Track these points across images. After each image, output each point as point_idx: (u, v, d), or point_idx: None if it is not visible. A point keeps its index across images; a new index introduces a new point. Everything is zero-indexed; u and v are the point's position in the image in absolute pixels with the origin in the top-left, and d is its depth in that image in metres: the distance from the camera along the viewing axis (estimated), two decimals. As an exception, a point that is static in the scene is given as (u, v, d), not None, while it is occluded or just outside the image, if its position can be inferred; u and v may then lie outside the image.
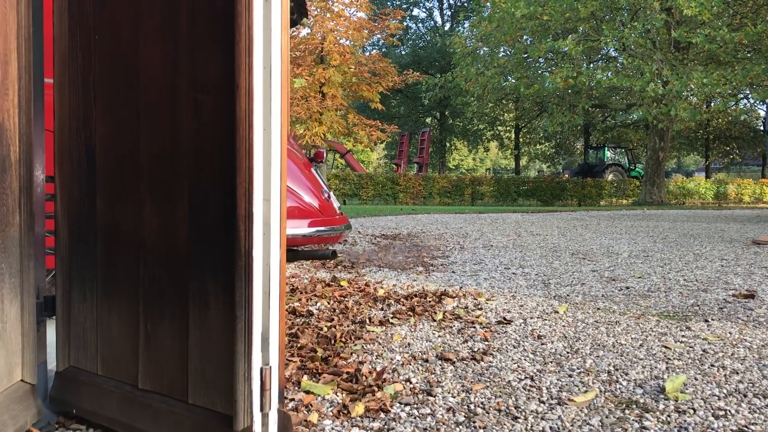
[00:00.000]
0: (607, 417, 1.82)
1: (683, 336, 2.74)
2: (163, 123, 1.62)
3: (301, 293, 3.70)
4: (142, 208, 1.66)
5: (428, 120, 42.12)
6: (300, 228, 2.78)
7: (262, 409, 1.48)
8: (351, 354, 2.46)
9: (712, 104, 23.42)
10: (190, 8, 1.56)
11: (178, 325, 1.60)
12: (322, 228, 2.85)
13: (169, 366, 1.63)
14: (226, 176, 1.50)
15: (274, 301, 1.51)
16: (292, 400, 1.95)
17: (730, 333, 2.79)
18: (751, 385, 2.11)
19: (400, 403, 1.93)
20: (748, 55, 15.94)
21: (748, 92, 20.81)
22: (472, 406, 1.91)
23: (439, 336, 2.75)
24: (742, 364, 2.35)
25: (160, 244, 1.64)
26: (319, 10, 17.78)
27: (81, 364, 1.82)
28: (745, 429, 1.73)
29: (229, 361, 1.50)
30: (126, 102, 1.69)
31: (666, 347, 2.57)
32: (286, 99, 1.59)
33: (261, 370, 1.50)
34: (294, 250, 2.85)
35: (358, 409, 1.87)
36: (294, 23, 10.18)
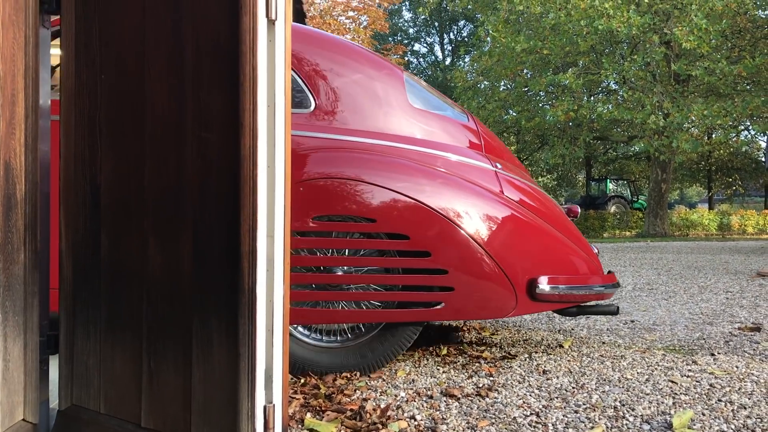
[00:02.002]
0: (614, 454, 1.80)
1: (689, 370, 2.72)
2: (168, 160, 1.64)
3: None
4: (147, 244, 1.67)
5: (430, 153, 42.26)
6: (594, 285, 2.80)
7: (265, 448, 1.47)
8: (354, 391, 2.44)
9: (714, 136, 23.54)
10: (196, 48, 1.58)
11: (181, 362, 1.60)
12: (609, 284, 2.86)
13: (172, 404, 1.62)
14: (230, 213, 1.51)
15: (277, 339, 1.51)
16: (296, 437, 1.93)
17: (737, 367, 2.77)
18: (759, 420, 2.09)
19: (405, 441, 1.91)
20: (748, 87, 16.06)
21: (748, 124, 20.93)
22: (477, 444, 1.89)
23: (443, 371, 2.73)
24: (749, 398, 2.32)
25: (164, 280, 1.64)
26: (321, 45, 18.05)
27: (83, 402, 1.81)
28: (755, 466, 1.71)
29: (232, 399, 1.50)
30: (131, 140, 1.71)
31: (672, 382, 2.55)
32: (290, 136, 1.61)
33: (264, 408, 1.50)
34: (582, 306, 2.87)
35: (363, 447, 1.85)
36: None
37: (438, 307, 2.58)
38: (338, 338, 2.71)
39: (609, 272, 2.95)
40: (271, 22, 1.56)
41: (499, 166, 2.92)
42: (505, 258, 2.60)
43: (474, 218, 2.59)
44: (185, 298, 1.59)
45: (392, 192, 2.54)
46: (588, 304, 2.88)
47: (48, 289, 1.81)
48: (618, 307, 2.91)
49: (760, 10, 10.62)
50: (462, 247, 2.55)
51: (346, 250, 2.62)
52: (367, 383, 2.54)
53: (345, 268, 2.62)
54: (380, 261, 2.58)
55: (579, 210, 3.46)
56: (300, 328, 2.68)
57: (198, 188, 1.57)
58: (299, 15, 7.37)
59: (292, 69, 2.68)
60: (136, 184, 1.69)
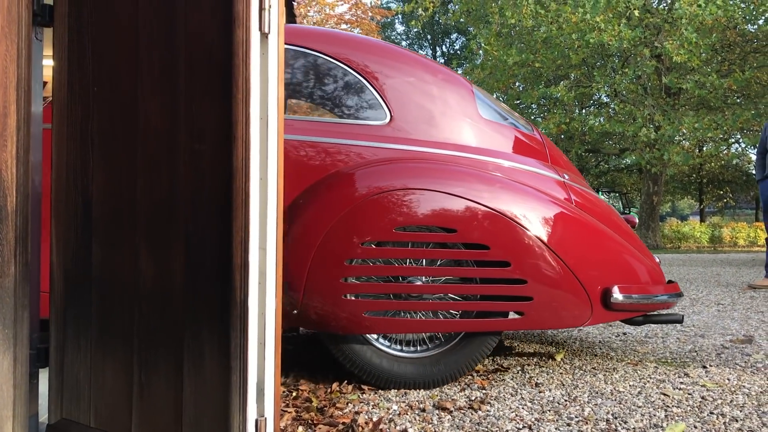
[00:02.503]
0: (606, 467, 1.80)
1: (681, 383, 2.72)
2: (160, 172, 1.64)
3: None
4: (139, 256, 1.67)
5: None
6: (660, 294, 2.83)
7: (256, 461, 1.46)
8: (347, 404, 2.43)
9: (705, 149, 23.69)
10: (189, 60, 1.59)
11: (172, 375, 1.59)
12: (673, 293, 2.89)
13: (163, 417, 1.61)
14: (223, 225, 1.51)
15: (269, 352, 1.50)
16: (288, 451, 1.92)
17: (729, 379, 2.77)
18: (751, 433, 2.09)
19: (397, 454, 1.90)
20: (738, 100, 16.19)
21: (739, 137, 21.07)
22: (469, 457, 1.88)
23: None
24: (741, 411, 2.33)
25: (156, 293, 1.63)
26: (314, 58, 18.09)
27: (73, 416, 1.79)
28: (747, 479, 1.71)
29: (224, 413, 1.49)
30: (124, 151, 1.71)
31: (665, 394, 2.55)
32: (282, 149, 1.61)
33: (256, 421, 1.49)
34: (648, 315, 2.90)
35: (355, 460, 1.84)
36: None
37: (518, 317, 2.64)
38: (418, 348, 2.75)
39: (670, 281, 2.98)
40: (264, 35, 1.56)
41: (566, 176, 3.01)
42: (580, 268, 2.64)
43: (550, 228, 2.64)
44: (177, 311, 1.58)
45: (472, 202, 2.59)
46: (654, 312, 2.93)
47: (38, 302, 1.80)
48: (683, 316, 2.95)
49: (749, 24, 10.73)
50: (539, 257, 2.60)
51: (424, 260, 2.66)
52: (359, 396, 2.53)
53: (424, 278, 2.67)
54: (460, 271, 2.64)
55: (636, 221, 3.50)
56: (381, 339, 2.72)
57: (190, 200, 1.57)
58: (292, 27, 7.41)
59: (369, 82, 2.79)
60: (128, 195, 1.69)
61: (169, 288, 1.60)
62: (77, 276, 1.80)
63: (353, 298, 2.55)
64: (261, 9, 1.56)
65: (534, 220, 2.62)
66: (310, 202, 2.59)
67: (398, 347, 2.73)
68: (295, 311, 2.55)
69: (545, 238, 2.61)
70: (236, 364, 1.46)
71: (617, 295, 2.67)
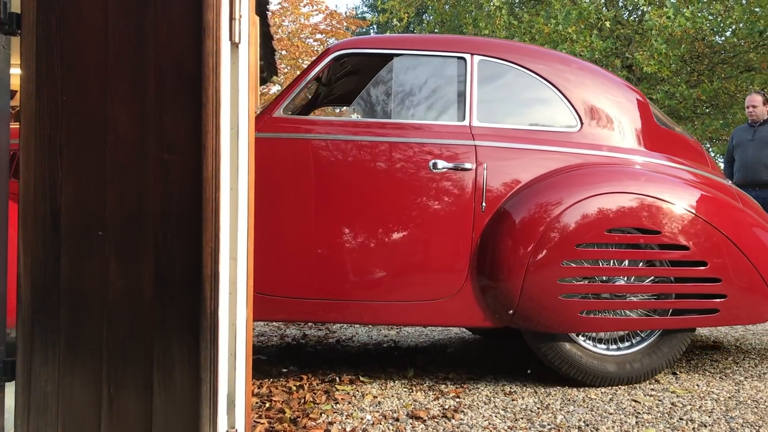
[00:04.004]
0: (578, 474, 1.81)
1: (652, 389, 2.76)
2: (130, 183, 1.63)
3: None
4: (108, 268, 1.65)
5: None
6: None
7: (227, 474, 1.45)
8: (321, 414, 2.42)
9: (675, 158, 24.03)
10: (159, 71, 1.58)
11: (142, 388, 1.57)
12: None
13: (132, 429, 1.59)
14: (193, 236, 1.50)
15: (240, 363, 1.50)
16: (260, 463, 1.91)
17: (698, 385, 2.81)
18: (719, 438, 2.12)
19: (370, 464, 1.90)
20: (707, 110, 16.48)
21: (708, 146, 21.43)
22: (442, 466, 1.89)
23: (410, 394, 2.73)
24: (709, 416, 2.36)
25: (125, 305, 1.62)
26: (289, 68, 18.04)
27: (41, 430, 1.76)
28: (715, 483, 1.73)
29: (194, 425, 1.48)
30: (93, 162, 1.69)
31: (635, 401, 2.58)
32: (253, 159, 1.61)
33: (227, 433, 1.48)
34: None
35: (327, 471, 1.83)
36: (264, 81, 10.31)
37: (713, 314, 2.79)
38: (619, 346, 2.87)
39: None
40: (234, 45, 1.57)
41: (729, 181, 3.18)
42: (760, 264, 2.81)
43: (734, 229, 2.82)
44: (146, 323, 1.57)
45: (673, 205, 2.76)
46: None
47: (5, 316, 1.77)
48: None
49: (717, 36, 10.93)
50: (732, 257, 2.77)
51: (626, 261, 2.82)
52: (333, 407, 2.52)
53: (625, 278, 2.83)
54: (664, 271, 2.80)
55: None
56: (584, 338, 2.84)
57: (160, 211, 1.56)
58: (266, 37, 7.39)
59: (561, 92, 2.97)
60: (97, 206, 1.67)
61: (138, 299, 1.59)
62: (45, 288, 1.77)
63: (569, 299, 2.70)
64: (231, 19, 1.57)
65: (724, 222, 2.81)
66: (522, 205, 2.77)
67: (604, 346, 2.87)
68: (511, 311, 2.71)
69: (733, 238, 2.77)
70: (207, 376, 1.45)
71: None
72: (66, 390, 1.71)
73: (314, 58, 2.97)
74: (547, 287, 2.69)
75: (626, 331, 2.87)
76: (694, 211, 2.77)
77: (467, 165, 2.82)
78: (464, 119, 2.91)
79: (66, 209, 1.74)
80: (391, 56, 3.02)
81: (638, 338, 2.88)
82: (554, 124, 2.98)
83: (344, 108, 4.60)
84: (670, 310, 2.81)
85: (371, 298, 2.81)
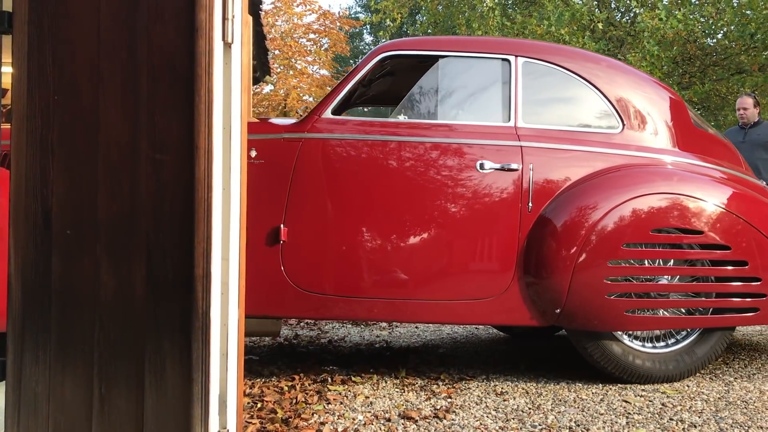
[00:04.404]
0: (568, 474, 1.82)
1: (643, 390, 2.77)
2: (121, 182, 1.62)
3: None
4: (99, 268, 1.65)
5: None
6: None
7: (218, 474, 1.45)
8: (312, 414, 2.42)
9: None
10: (151, 70, 1.58)
11: (133, 388, 1.57)
12: None
13: (123, 430, 1.59)
14: (185, 236, 1.50)
15: (232, 363, 1.50)
16: (251, 463, 1.91)
17: (688, 386, 2.83)
18: (709, 438, 2.13)
19: (362, 465, 1.90)
20: (698, 112, 16.56)
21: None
22: (434, 466, 1.89)
23: (401, 394, 2.73)
24: (699, 417, 2.37)
25: (117, 304, 1.62)
26: (282, 67, 18.02)
27: (31, 430, 1.76)
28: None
29: (185, 425, 1.48)
30: (85, 162, 1.68)
31: (626, 401, 2.59)
32: (246, 159, 1.61)
33: (218, 433, 1.48)
34: None
35: (319, 471, 1.84)
36: (257, 81, 10.31)
37: (753, 313, 2.87)
38: (660, 344, 2.94)
39: None
40: (227, 45, 1.57)
41: (762, 182, 3.26)
42: None
43: None
44: (138, 323, 1.57)
45: (715, 206, 2.84)
46: None
47: (-5, 313, 1.76)
48: None
49: (708, 38, 10.98)
50: None
51: (670, 261, 2.90)
52: (325, 407, 2.53)
53: (668, 277, 2.92)
54: (704, 270, 2.88)
55: None
56: (627, 336, 2.90)
57: (152, 211, 1.56)
58: (259, 37, 7.39)
59: (604, 94, 3.03)
60: (89, 206, 1.67)
61: (130, 300, 1.58)
62: (36, 288, 1.77)
63: (616, 297, 2.76)
64: (224, 19, 1.57)
65: (764, 222, 2.88)
66: (569, 205, 2.84)
67: (650, 344, 2.93)
68: (558, 310, 2.77)
69: None
70: (198, 376, 1.45)
71: None
72: (57, 390, 1.71)
73: (362, 58, 3.07)
74: (594, 286, 2.77)
75: (667, 330, 2.94)
76: (734, 212, 2.84)
77: (513, 165, 2.88)
78: (509, 120, 2.97)
79: (57, 209, 1.74)
80: (436, 58, 3.07)
81: (679, 337, 2.94)
82: (597, 125, 3.06)
83: (369, 108, 4.69)
84: (711, 309, 2.87)
85: (421, 297, 2.87)
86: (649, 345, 2.92)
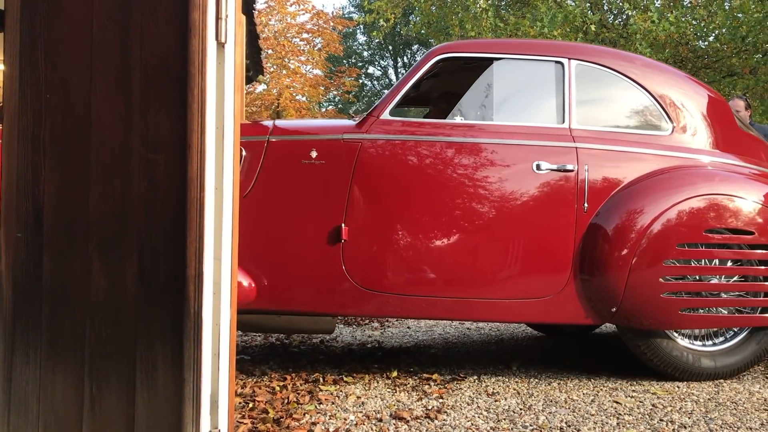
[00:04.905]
0: (559, 475, 1.82)
1: (633, 391, 2.78)
2: (114, 182, 1.62)
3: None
4: (91, 267, 1.64)
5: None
6: None
7: (210, 474, 1.45)
8: (304, 414, 2.42)
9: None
10: (144, 70, 1.58)
11: (125, 387, 1.57)
12: None
13: (114, 429, 1.58)
14: (177, 235, 1.50)
15: (223, 363, 1.49)
16: (243, 463, 1.91)
17: (678, 387, 2.84)
18: (698, 439, 2.15)
19: (353, 465, 1.90)
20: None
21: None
22: (425, 467, 1.89)
23: (393, 394, 2.73)
24: (689, 418, 2.39)
25: (108, 304, 1.61)
26: (275, 67, 17.99)
27: (21, 430, 1.75)
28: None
29: (176, 425, 1.48)
30: (77, 160, 1.68)
31: (617, 402, 2.60)
32: (238, 158, 1.61)
33: (209, 433, 1.47)
34: None
35: (310, 471, 1.84)
36: (250, 80, 10.28)
37: None
38: (713, 342, 3.01)
39: None
40: (220, 45, 1.56)
41: None
42: None
43: None
44: (129, 323, 1.56)
45: (765, 207, 2.92)
46: None
47: (-14, 312, 1.75)
48: None
49: (700, 41, 11.04)
50: None
51: (725, 261, 2.97)
52: (316, 407, 2.53)
53: (719, 277, 2.98)
54: (755, 270, 2.94)
55: None
56: (679, 335, 2.98)
57: (144, 210, 1.56)
58: (252, 36, 7.37)
59: (654, 97, 3.10)
60: (81, 205, 1.67)
61: (121, 299, 1.58)
62: (27, 287, 1.76)
63: (670, 296, 2.83)
64: (218, 18, 1.56)
65: None
66: (625, 205, 2.89)
67: (698, 342, 2.99)
68: (614, 309, 2.84)
69: None
70: (190, 376, 1.45)
71: None
72: (47, 389, 1.70)
73: (418, 60, 3.11)
74: (650, 286, 2.83)
75: (717, 329, 3.00)
76: None
77: (569, 166, 2.93)
78: (564, 122, 3.03)
79: (48, 208, 1.73)
80: (490, 60, 3.14)
81: (728, 335, 3.01)
82: (647, 127, 3.13)
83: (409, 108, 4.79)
84: (759, 309, 2.95)
85: (480, 296, 2.92)
86: (699, 343, 2.99)
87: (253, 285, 2.84)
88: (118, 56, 1.63)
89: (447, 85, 3.64)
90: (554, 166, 2.91)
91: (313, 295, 2.90)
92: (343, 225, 2.86)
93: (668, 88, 3.14)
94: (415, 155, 2.94)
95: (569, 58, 3.07)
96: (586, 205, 2.91)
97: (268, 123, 3.13)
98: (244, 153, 2.91)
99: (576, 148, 2.95)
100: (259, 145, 2.94)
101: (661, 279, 2.83)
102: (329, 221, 2.87)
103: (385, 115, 2.98)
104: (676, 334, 2.95)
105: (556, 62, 3.07)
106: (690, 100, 3.17)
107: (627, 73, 3.11)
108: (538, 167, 2.91)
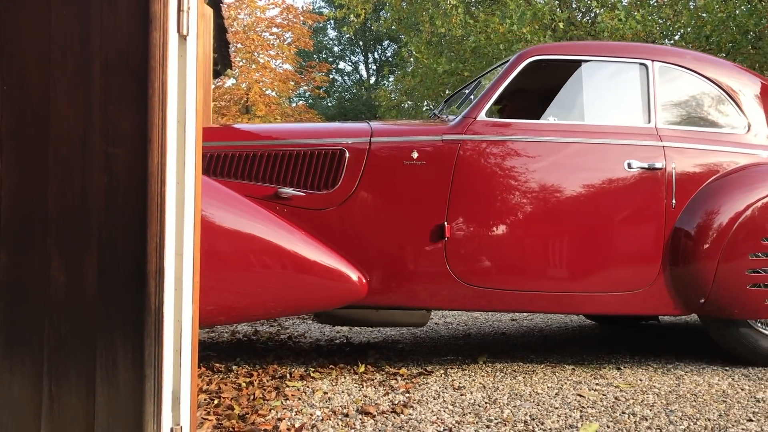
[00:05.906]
0: (522, 467, 1.84)
1: (597, 384, 2.82)
2: (73, 176, 1.59)
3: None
4: (50, 263, 1.61)
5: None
6: None
7: (171, 471, 1.44)
8: (270, 410, 2.41)
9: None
10: (104, 62, 1.55)
11: (84, 385, 1.55)
12: None
13: (74, 429, 1.56)
14: (137, 230, 1.48)
15: (185, 360, 1.48)
16: (206, 460, 1.89)
17: (641, 380, 2.89)
18: (659, 430, 2.18)
19: (318, 460, 1.90)
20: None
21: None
22: (390, 461, 1.90)
23: (360, 389, 2.73)
24: (650, 410, 2.43)
25: (68, 300, 1.59)
26: (244, 61, 17.85)
27: (-22, 429, 1.71)
28: (653, 475, 1.78)
29: (138, 422, 1.46)
30: (35, 154, 1.65)
31: (580, 395, 2.63)
32: (201, 153, 1.59)
33: (171, 430, 1.46)
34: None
35: (274, 467, 1.83)
36: (218, 74, 10.17)
37: None
38: None
39: None
40: (182, 38, 1.54)
41: None
42: None
43: None
44: (89, 319, 1.54)
45: None
46: None
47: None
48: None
49: (666, 39, 11.21)
50: None
51: None
52: (282, 403, 2.52)
53: None
54: None
55: None
56: (759, 324, 3.10)
57: (104, 205, 1.53)
58: (220, 30, 7.30)
59: (732, 97, 3.27)
60: (39, 200, 1.63)
61: (81, 295, 1.55)
62: (-17, 283, 1.72)
63: (755, 288, 2.97)
64: (179, 10, 1.54)
65: None
66: (711, 201, 3.04)
67: None
68: (702, 300, 2.99)
69: None
70: (151, 372, 1.43)
71: None
72: (4, 389, 1.67)
73: (507, 63, 3.24)
74: (736, 278, 2.99)
75: None
76: None
77: (658, 164, 3.07)
78: (650, 122, 3.18)
79: (6, 202, 1.70)
80: (578, 62, 3.26)
81: None
82: (727, 126, 3.28)
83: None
84: None
85: (578, 290, 3.05)
86: None
87: (364, 282, 2.93)
88: (77, 48, 1.60)
89: (527, 85, 3.71)
90: (645, 165, 3.06)
91: (419, 291, 3.01)
92: (445, 223, 2.97)
93: (745, 87, 3.30)
94: (512, 155, 3.07)
95: (653, 60, 3.24)
96: (674, 201, 3.06)
97: (364, 125, 3.22)
98: (347, 154, 3.00)
99: (663, 146, 3.10)
100: (361, 147, 3.02)
101: (747, 271, 2.98)
102: (432, 220, 2.99)
103: (482, 116, 3.10)
104: (759, 324, 3.09)
105: (641, 64, 3.23)
106: (759, 97, 3.31)
107: (707, 75, 3.26)
108: (629, 166, 3.05)
